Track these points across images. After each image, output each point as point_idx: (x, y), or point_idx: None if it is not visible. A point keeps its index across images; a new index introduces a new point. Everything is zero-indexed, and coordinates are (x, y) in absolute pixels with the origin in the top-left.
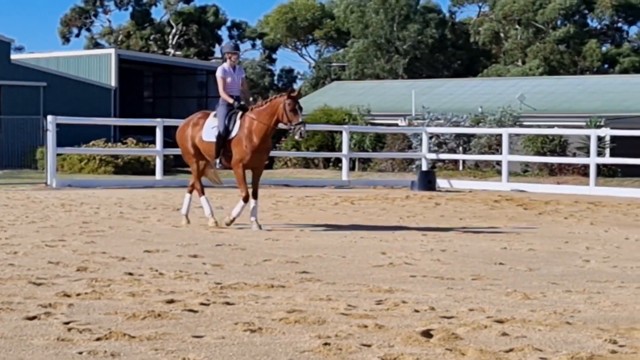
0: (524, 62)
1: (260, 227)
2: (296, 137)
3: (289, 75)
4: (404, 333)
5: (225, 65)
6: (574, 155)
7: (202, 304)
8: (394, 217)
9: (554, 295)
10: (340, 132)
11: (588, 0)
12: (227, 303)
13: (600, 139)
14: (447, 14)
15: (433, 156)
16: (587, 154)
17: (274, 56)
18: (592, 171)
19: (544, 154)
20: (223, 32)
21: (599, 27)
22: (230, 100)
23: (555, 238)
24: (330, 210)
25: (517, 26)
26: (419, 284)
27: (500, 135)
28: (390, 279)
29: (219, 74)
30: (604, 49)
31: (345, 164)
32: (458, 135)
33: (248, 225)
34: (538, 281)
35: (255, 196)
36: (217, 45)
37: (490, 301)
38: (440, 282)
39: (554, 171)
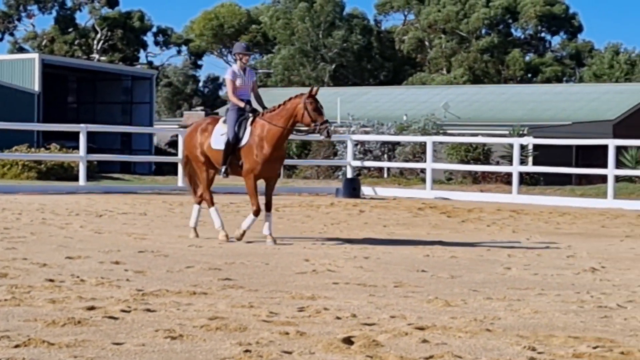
0: (448, 71)
1: (274, 241)
2: (322, 136)
3: (214, 82)
4: (325, 340)
5: (235, 67)
6: (497, 163)
7: (123, 310)
8: (318, 225)
9: (475, 303)
10: None
11: (512, 11)
12: (149, 310)
13: (523, 147)
14: (373, 23)
15: (358, 164)
16: (510, 162)
17: (199, 62)
18: (515, 179)
19: (468, 162)
20: (148, 38)
21: (522, 37)
22: (242, 104)
23: (478, 246)
24: None
25: (441, 35)
26: (342, 291)
27: (425, 143)
28: (313, 286)
29: (228, 76)
30: (527, 58)
31: None
32: (383, 143)
33: (262, 240)
34: (459, 288)
35: (268, 208)
36: (142, 51)
37: (411, 308)
38: (362, 289)
39: (477, 179)
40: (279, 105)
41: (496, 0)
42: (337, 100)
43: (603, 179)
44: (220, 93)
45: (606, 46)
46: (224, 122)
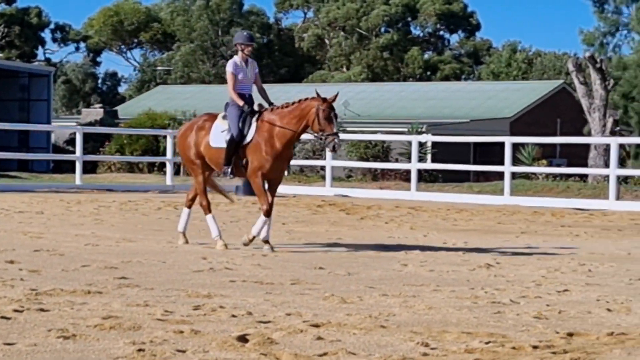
0: (348, 69)
1: (272, 248)
2: (328, 149)
3: (113, 78)
4: (220, 338)
5: (237, 58)
6: (397, 160)
7: (15, 310)
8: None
9: (371, 299)
10: (165, 137)
11: (411, 9)
12: (42, 309)
13: (421, 145)
14: (273, 20)
15: None
16: (409, 159)
17: (98, 59)
18: (414, 177)
19: (367, 160)
20: (46, 34)
21: (421, 35)
22: (240, 103)
23: (376, 242)
24: (153, 215)
25: (341, 33)
26: (238, 289)
27: None
28: (209, 284)
29: (229, 68)
30: (426, 56)
31: (169, 168)
32: None
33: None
34: (356, 285)
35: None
36: (40, 48)
37: (307, 305)
38: (259, 287)
39: (377, 176)
40: (293, 103)
41: None
42: None
43: (500, 175)
44: (120, 90)
45: (504, 44)
46: (224, 117)
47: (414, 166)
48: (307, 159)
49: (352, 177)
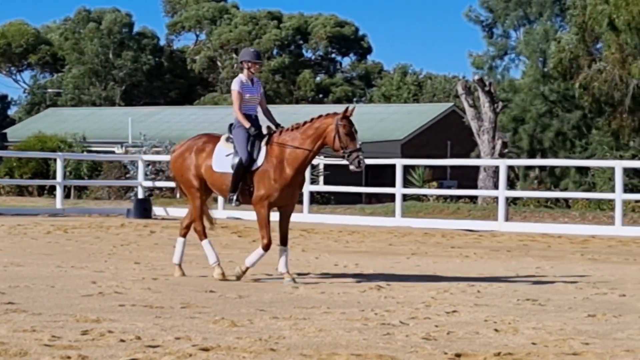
0: None
1: (294, 280)
2: (352, 167)
3: (2, 101)
4: None
5: (242, 77)
6: None
7: None
8: (108, 246)
9: (261, 322)
10: (55, 160)
11: (303, 32)
12: None
13: (313, 167)
14: (164, 42)
15: (149, 184)
16: None
17: None
18: (306, 199)
19: None
20: None
21: (313, 58)
22: (247, 125)
23: (266, 265)
24: (43, 239)
25: (233, 55)
26: (127, 313)
27: None
28: (98, 309)
29: (235, 87)
30: (318, 79)
31: (59, 191)
32: None
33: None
34: (247, 308)
35: (284, 242)
36: None
37: (197, 329)
38: (149, 310)
39: None
40: (304, 123)
41: (287, 21)
42: (128, 120)
43: (392, 197)
44: (9, 112)
45: (395, 67)
46: (227, 140)
47: (306, 188)
48: None
49: None
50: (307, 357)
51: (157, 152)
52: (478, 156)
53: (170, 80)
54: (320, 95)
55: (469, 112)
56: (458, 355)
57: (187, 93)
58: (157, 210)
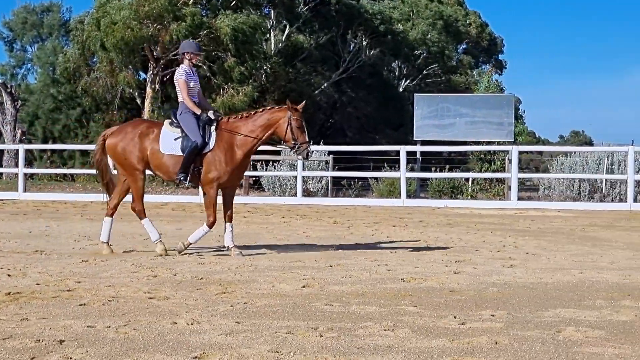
0: None
1: (241, 253)
2: (301, 157)
3: None
4: None
5: (186, 67)
6: None
7: None
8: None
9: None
10: None
11: None
12: None
13: None
14: None
15: None
16: None
17: None
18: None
19: None
20: None
21: None
22: (198, 111)
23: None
24: None
25: None
26: None
27: None
28: None
29: (182, 77)
30: None
31: None
32: None
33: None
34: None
35: (230, 219)
36: None
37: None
38: None
39: None
40: (254, 113)
41: None
42: None
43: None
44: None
45: None
46: (172, 125)
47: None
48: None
49: None
50: None
51: None
52: (3, 142)
53: None
54: None
55: None
56: None
57: None
58: None
